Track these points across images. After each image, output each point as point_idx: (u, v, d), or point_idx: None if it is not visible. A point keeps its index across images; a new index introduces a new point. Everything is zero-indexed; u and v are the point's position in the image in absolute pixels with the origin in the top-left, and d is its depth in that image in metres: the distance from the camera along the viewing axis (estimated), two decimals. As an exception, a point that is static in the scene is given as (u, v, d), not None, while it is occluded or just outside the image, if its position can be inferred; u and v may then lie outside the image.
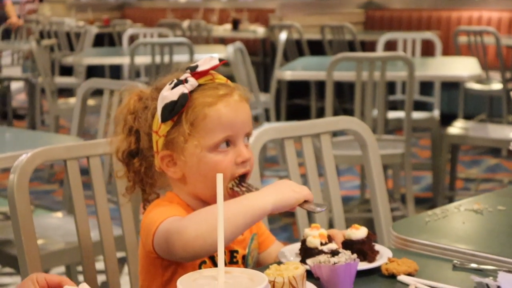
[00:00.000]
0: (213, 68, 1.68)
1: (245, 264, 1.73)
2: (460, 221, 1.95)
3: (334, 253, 1.56)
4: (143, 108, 1.71)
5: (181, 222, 1.57)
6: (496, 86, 6.86)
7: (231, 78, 1.72)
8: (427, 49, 7.33)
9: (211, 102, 1.65)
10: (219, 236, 1.21)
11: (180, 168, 1.69)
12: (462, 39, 7.05)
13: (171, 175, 1.71)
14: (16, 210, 1.83)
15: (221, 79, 1.70)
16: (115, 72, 9.42)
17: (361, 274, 1.57)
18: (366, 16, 9.69)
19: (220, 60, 1.68)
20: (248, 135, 1.70)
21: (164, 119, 1.65)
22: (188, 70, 1.68)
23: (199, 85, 1.67)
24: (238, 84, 1.74)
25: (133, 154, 1.74)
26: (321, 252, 1.59)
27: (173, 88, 1.65)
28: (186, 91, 1.64)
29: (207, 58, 1.68)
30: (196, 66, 1.67)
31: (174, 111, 1.64)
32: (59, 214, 3.41)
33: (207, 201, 1.70)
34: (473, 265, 1.64)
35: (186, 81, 1.65)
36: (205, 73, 1.67)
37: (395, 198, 5.03)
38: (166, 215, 1.62)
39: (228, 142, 1.67)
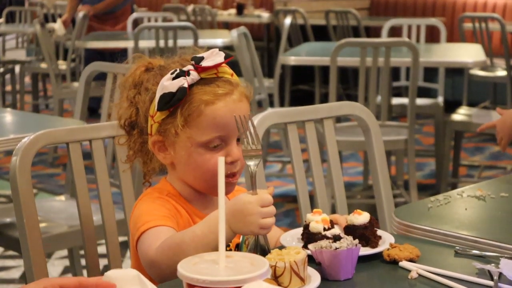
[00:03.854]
0: (217, 66, 1.66)
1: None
2: (462, 207, 1.95)
3: (336, 238, 1.56)
4: (145, 89, 1.71)
5: (157, 251, 1.58)
6: (501, 73, 6.84)
7: (235, 63, 1.70)
8: (432, 35, 7.32)
9: (208, 100, 1.64)
10: (220, 219, 1.21)
11: (170, 155, 1.71)
12: (467, 25, 7.03)
13: (161, 159, 1.73)
14: (18, 193, 1.83)
15: (225, 72, 1.68)
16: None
17: (362, 259, 1.57)
18: (371, 2, 9.66)
19: (226, 57, 1.66)
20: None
21: (160, 109, 1.65)
22: (193, 62, 1.66)
23: (201, 78, 1.66)
24: (241, 81, 1.72)
25: (133, 125, 1.74)
26: (324, 237, 1.59)
27: (174, 78, 1.63)
28: (185, 85, 1.63)
29: (214, 50, 1.66)
30: (202, 58, 1.65)
31: (171, 103, 1.64)
32: (61, 198, 3.41)
33: (197, 189, 1.72)
34: (475, 252, 1.64)
35: (188, 73, 1.64)
36: (208, 68, 1.65)
37: (398, 185, 5.02)
38: (153, 220, 1.63)
39: (220, 141, 1.67)
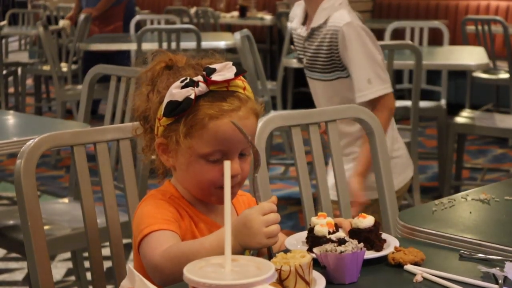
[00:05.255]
0: (227, 81, 1.64)
1: None
2: (467, 210, 1.94)
3: (341, 242, 1.56)
4: (157, 91, 1.70)
5: (163, 257, 1.58)
6: (504, 75, 6.84)
7: (238, 65, 1.68)
8: (435, 38, 7.31)
9: (213, 114, 1.63)
10: (226, 223, 1.20)
11: (172, 159, 1.71)
12: (470, 28, 7.03)
13: (164, 161, 1.73)
14: (22, 195, 1.83)
15: (237, 86, 1.66)
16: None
17: (367, 263, 1.57)
18: (373, 4, 9.66)
19: (238, 73, 1.64)
20: (247, 150, 1.69)
21: (165, 115, 1.65)
22: (204, 72, 1.64)
23: (210, 91, 1.64)
24: (251, 96, 1.70)
25: (146, 119, 1.75)
26: (329, 240, 1.59)
27: (183, 87, 1.63)
28: (192, 96, 1.62)
29: (227, 64, 1.65)
30: (213, 70, 1.63)
31: (176, 112, 1.64)
32: (65, 200, 3.41)
33: (195, 196, 1.73)
34: (480, 255, 1.64)
35: (197, 84, 1.63)
36: (217, 82, 1.64)
37: (401, 187, 5.01)
38: (156, 224, 1.64)
39: (221, 155, 1.66)
